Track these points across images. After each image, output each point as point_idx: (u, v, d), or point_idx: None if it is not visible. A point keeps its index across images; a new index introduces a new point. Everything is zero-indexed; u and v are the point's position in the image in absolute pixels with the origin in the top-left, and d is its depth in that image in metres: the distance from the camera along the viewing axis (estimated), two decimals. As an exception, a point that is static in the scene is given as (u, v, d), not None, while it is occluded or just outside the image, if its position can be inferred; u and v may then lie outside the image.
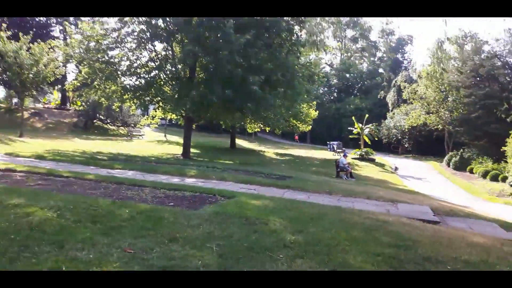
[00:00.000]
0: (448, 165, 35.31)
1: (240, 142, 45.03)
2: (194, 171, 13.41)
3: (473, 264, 4.81)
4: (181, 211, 6.33)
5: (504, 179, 25.51)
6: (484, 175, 27.70)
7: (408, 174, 30.27)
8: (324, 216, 6.87)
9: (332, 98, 70.78)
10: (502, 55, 39.01)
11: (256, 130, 42.09)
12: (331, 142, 44.76)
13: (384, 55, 73.51)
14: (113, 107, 30.58)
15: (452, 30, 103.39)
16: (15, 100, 44.00)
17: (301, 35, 22.46)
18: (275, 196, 9.34)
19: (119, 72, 21.67)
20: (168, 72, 21.97)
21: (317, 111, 41.89)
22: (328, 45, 59.97)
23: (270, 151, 37.61)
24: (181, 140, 27.75)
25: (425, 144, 47.85)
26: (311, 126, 41.30)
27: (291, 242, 4.96)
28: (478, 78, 38.26)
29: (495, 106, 36.03)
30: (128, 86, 22.05)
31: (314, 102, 39.83)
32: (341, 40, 74.16)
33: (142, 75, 21.69)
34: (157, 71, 21.87)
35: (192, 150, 30.60)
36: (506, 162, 28.24)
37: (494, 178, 26.48)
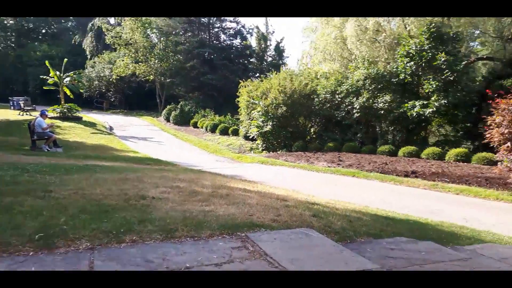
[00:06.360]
0: (168, 120, 31.34)
1: None
2: None
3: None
4: None
5: (235, 132, 23.44)
6: (213, 129, 24.99)
7: (129, 134, 24.10)
8: None
9: (9, 43, 53.96)
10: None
11: None
12: (15, 98, 32.92)
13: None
14: None
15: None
16: None
17: None
18: None
19: None
20: None
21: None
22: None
23: None
24: None
25: (135, 97, 42.34)
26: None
27: None
28: (187, 24, 35.48)
29: (206, 55, 34.48)
30: None
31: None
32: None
33: None
34: None
35: None
36: (231, 115, 26.55)
37: (224, 132, 24.11)
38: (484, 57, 21.07)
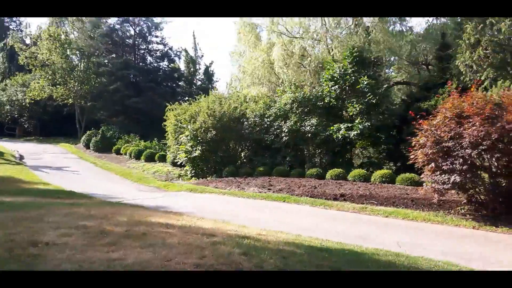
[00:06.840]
0: (88, 146, 29.09)
1: None
2: None
3: None
4: None
5: (162, 158, 22.28)
6: (138, 156, 23.55)
7: (42, 164, 21.80)
8: None
9: None
10: (135, 22, 35.98)
11: None
12: None
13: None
14: None
15: None
16: None
17: None
18: None
19: None
20: None
21: None
22: None
23: None
24: None
25: (52, 123, 38.97)
26: None
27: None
28: (111, 45, 33.82)
29: (132, 77, 33.12)
30: None
31: None
32: None
33: None
34: None
35: None
36: (157, 140, 25.32)
37: (150, 158, 22.82)
38: (402, 81, 22.44)
